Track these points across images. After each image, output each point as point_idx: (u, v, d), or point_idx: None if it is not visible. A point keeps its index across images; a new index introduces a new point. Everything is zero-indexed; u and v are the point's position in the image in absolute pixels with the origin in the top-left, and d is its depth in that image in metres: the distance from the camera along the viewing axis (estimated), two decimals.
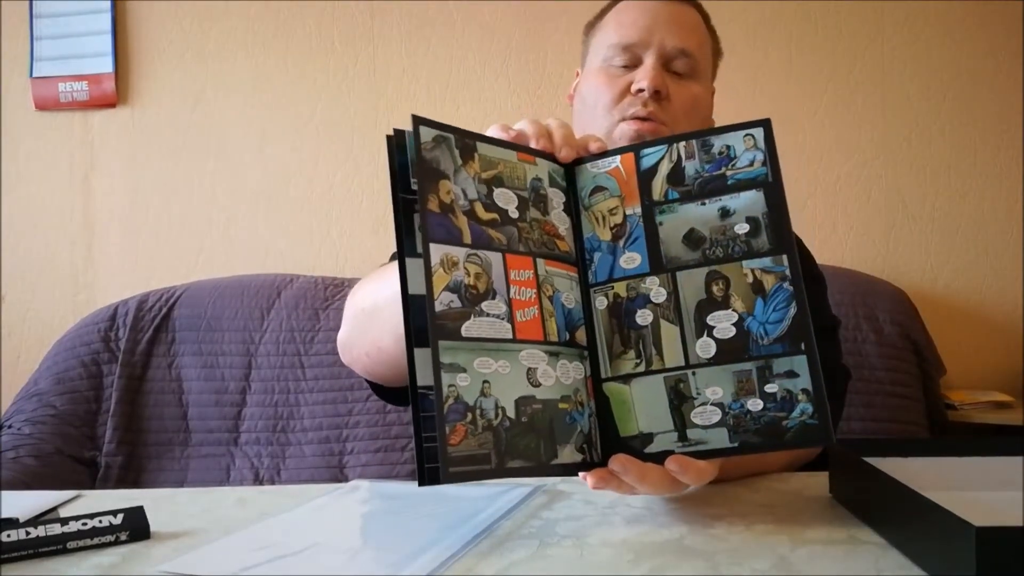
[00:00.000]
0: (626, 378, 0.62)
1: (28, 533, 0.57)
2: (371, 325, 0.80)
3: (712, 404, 0.60)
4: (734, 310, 0.61)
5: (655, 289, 0.63)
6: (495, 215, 0.60)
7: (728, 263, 0.62)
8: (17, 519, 0.65)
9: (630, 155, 0.66)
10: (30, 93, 2.09)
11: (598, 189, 0.66)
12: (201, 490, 0.79)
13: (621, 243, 0.65)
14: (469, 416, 0.54)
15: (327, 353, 1.72)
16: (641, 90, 0.91)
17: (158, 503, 0.68)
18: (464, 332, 0.56)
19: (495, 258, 0.59)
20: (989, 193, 1.93)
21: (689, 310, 0.62)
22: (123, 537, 0.60)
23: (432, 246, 0.56)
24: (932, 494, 0.50)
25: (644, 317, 0.63)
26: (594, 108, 0.93)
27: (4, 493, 0.74)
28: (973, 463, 0.68)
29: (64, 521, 0.59)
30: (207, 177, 2.08)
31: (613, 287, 0.64)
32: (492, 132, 0.66)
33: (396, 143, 0.59)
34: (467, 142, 0.60)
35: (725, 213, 0.62)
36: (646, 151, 0.66)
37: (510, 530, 0.60)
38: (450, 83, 2.03)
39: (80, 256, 2.10)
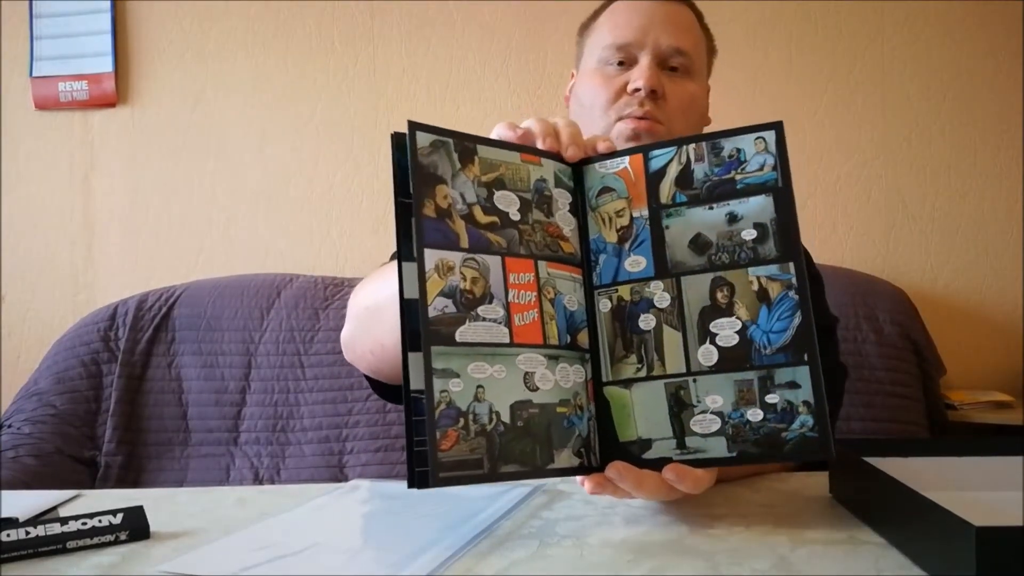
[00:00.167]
0: (627, 383, 0.62)
1: (28, 533, 0.57)
2: (374, 323, 0.80)
3: (712, 413, 0.59)
4: (738, 318, 0.60)
5: (659, 294, 0.62)
6: (495, 218, 0.60)
7: (734, 269, 0.61)
8: (17, 519, 0.65)
9: (639, 156, 0.65)
10: (30, 93, 2.09)
11: (606, 190, 0.65)
12: (201, 490, 0.79)
13: (627, 246, 0.64)
14: (461, 421, 0.54)
15: (327, 353, 1.72)
16: (637, 89, 0.91)
17: (158, 503, 0.68)
18: (458, 337, 0.56)
19: (493, 262, 0.59)
20: (989, 193, 1.93)
21: (692, 316, 0.61)
22: (123, 537, 0.60)
23: (427, 251, 0.56)
24: (932, 494, 0.50)
25: (647, 322, 0.62)
26: (591, 109, 0.93)
27: (4, 493, 0.74)
28: (973, 463, 0.68)
29: (64, 521, 0.59)
30: (207, 177, 2.08)
31: (617, 290, 0.64)
32: (499, 129, 0.66)
33: (396, 144, 0.59)
34: (467, 145, 0.60)
35: (733, 218, 0.62)
36: (655, 152, 0.65)
37: (510, 530, 0.60)
38: (450, 83, 2.03)
39: (80, 256, 2.10)
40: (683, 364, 0.61)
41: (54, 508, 0.71)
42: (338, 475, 1.61)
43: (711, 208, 0.62)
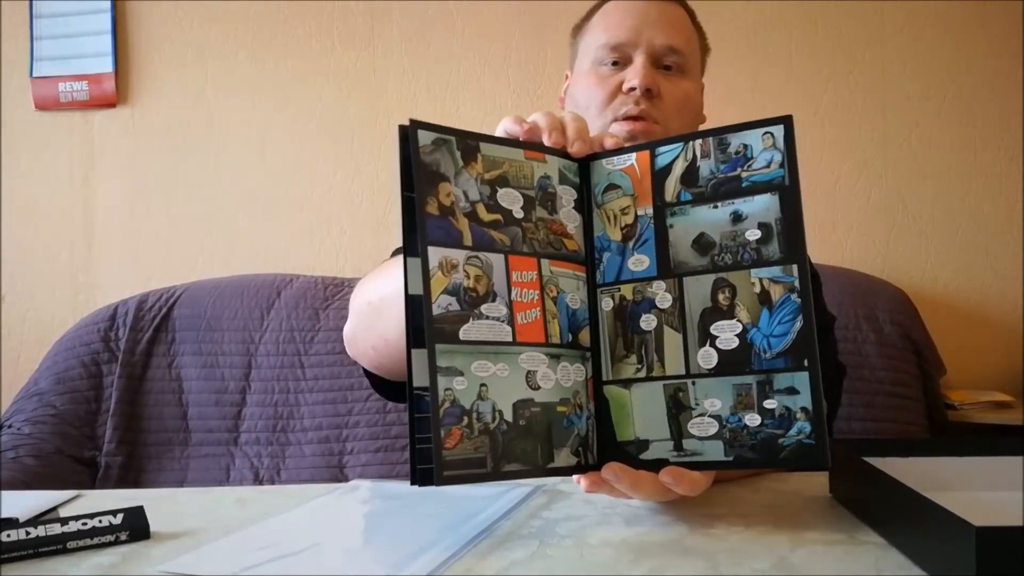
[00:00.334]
0: (627, 383, 0.62)
1: (28, 533, 0.57)
2: (377, 318, 0.80)
3: (710, 416, 0.59)
4: (738, 320, 0.59)
5: (661, 294, 0.62)
6: (498, 216, 0.60)
7: (736, 271, 0.60)
8: (17, 519, 0.64)
9: (646, 153, 0.64)
10: (30, 93, 2.09)
11: (612, 187, 0.65)
12: (201, 490, 0.79)
13: (631, 244, 0.63)
14: (465, 420, 0.54)
15: (327, 353, 1.72)
16: (633, 88, 0.91)
17: (158, 503, 0.68)
18: (462, 335, 0.56)
19: (497, 260, 0.59)
20: (989, 193, 1.93)
21: (693, 318, 0.61)
22: (123, 537, 0.60)
23: (430, 249, 0.55)
24: (932, 494, 0.50)
25: (648, 322, 0.62)
26: (586, 109, 0.94)
27: (4, 493, 0.74)
28: (973, 463, 0.68)
29: (64, 521, 0.59)
30: (207, 177, 2.08)
31: (620, 289, 0.63)
32: (505, 123, 0.65)
33: (402, 137, 0.58)
34: (469, 143, 0.60)
35: (737, 218, 0.60)
36: (662, 149, 0.64)
37: (510, 530, 0.60)
38: (450, 83, 2.03)
39: (80, 256, 2.10)
40: (683, 366, 0.61)
41: (54, 508, 0.71)
42: (338, 475, 1.61)
43: (715, 207, 0.61)
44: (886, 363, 1.62)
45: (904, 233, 1.95)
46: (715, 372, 0.60)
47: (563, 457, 0.59)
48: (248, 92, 2.07)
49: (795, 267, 0.58)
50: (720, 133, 0.62)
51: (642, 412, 0.61)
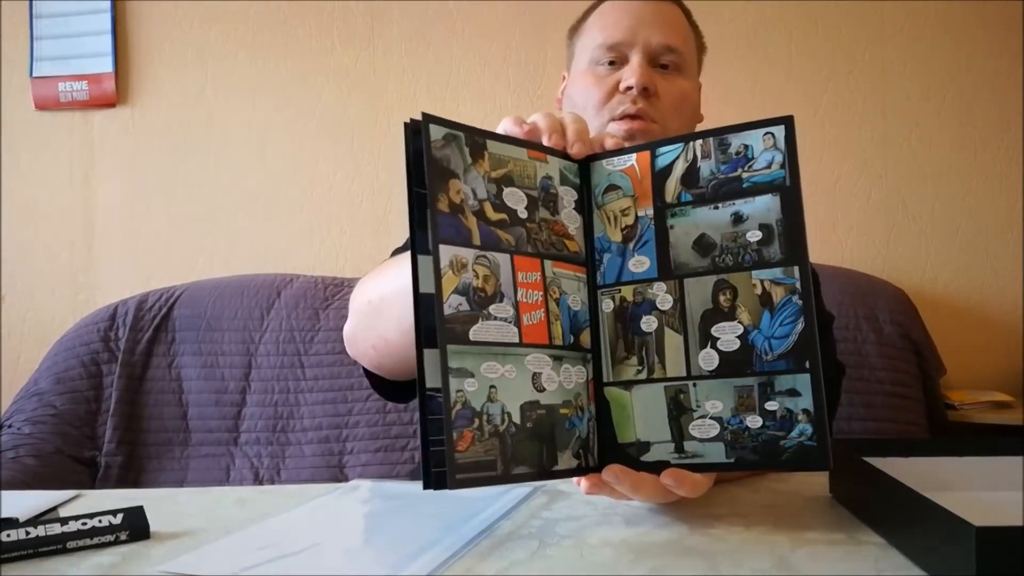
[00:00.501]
0: (627, 384, 0.62)
1: (28, 533, 0.57)
2: (378, 318, 0.80)
3: (711, 418, 0.59)
4: (740, 322, 0.59)
5: (661, 295, 0.62)
6: (504, 215, 0.59)
7: (737, 272, 0.60)
8: (17, 519, 0.64)
9: (646, 154, 0.64)
10: (30, 93, 2.09)
11: (612, 188, 0.65)
12: (201, 490, 0.79)
13: (631, 245, 0.63)
14: (476, 422, 0.54)
15: (327, 353, 1.72)
16: (630, 87, 0.91)
17: (158, 503, 0.68)
18: (472, 336, 0.55)
19: (503, 260, 0.58)
20: (989, 193, 1.93)
21: (694, 319, 0.60)
22: (123, 537, 0.60)
23: (442, 247, 0.55)
24: (932, 494, 0.50)
25: (649, 324, 0.62)
26: (584, 109, 0.94)
27: (4, 493, 0.74)
28: (973, 463, 0.68)
29: (64, 521, 0.59)
30: (207, 177, 2.08)
31: (620, 291, 0.63)
32: (505, 124, 0.65)
33: (412, 131, 0.57)
34: (477, 140, 0.59)
35: (738, 219, 0.60)
36: (662, 149, 0.63)
37: (510, 530, 0.60)
38: (450, 83, 2.03)
39: (80, 256, 2.10)
40: (683, 368, 0.60)
41: (54, 508, 0.71)
42: (338, 475, 1.62)
43: (716, 208, 0.61)
44: (886, 363, 1.62)
45: (904, 233, 1.95)
46: (716, 374, 0.59)
47: (565, 459, 0.59)
48: (248, 92, 2.07)
49: (796, 269, 0.58)
50: (720, 133, 0.62)
51: (643, 414, 0.61)
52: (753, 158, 0.60)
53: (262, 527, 0.63)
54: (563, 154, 0.65)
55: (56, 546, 0.57)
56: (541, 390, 0.58)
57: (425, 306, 0.55)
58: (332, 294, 1.80)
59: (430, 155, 0.56)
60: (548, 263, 0.61)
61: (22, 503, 0.71)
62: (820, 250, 1.81)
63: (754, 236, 0.60)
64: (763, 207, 0.60)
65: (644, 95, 0.91)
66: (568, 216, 0.64)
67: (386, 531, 0.63)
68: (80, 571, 0.54)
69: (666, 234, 0.62)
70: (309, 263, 2.02)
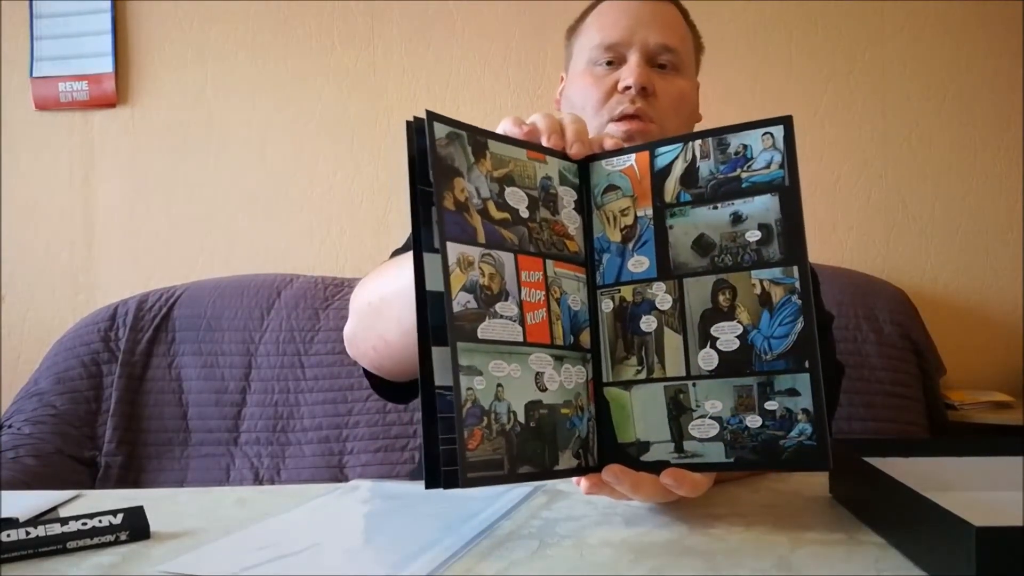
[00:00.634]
0: (627, 384, 0.62)
1: (28, 533, 0.57)
2: (378, 319, 0.80)
3: (711, 418, 0.59)
4: (739, 322, 0.59)
5: (661, 295, 0.62)
6: (507, 215, 0.59)
7: (736, 272, 0.60)
8: (17, 519, 0.64)
9: (645, 154, 0.64)
10: (30, 93, 2.09)
11: (611, 188, 0.65)
12: (201, 490, 0.79)
13: (630, 245, 0.63)
14: (485, 420, 0.53)
15: (327, 353, 1.72)
16: (628, 87, 0.91)
17: (158, 503, 0.68)
18: (480, 334, 0.55)
19: (507, 258, 0.58)
20: (989, 193, 1.93)
21: (694, 319, 0.61)
22: (123, 537, 0.60)
23: (449, 244, 0.55)
24: (932, 494, 0.50)
25: (648, 324, 0.62)
26: (582, 110, 0.94)
27: (4, 493, 0.74)
28: (973, 463, 0.68)
29: (64, 521, 0.59)
30: (207, 177, 2.08)
31: (620, 291, 0.63)
32: (505, 124, 0.65)
33: (416, 130, 0.57)
34: (479, 139, 0.59)
35: (737, 219, 0.60)
36: (662, 149, 0.63)
37: (510, 530, 0.60)
38: (450, 83, 2.03)
39: (80, 256, 2.10)
40: (683, 367, 0.60)
41: (54, 508, 0.71)
42: (338, 475, 1.62)
43: (715, 208, 0.61)
44: (886, 363, 1.62)
45: (904, 233, 1.95)
46: (716, 374, 0.59)
47: (566, 459, 0.59)
48: (248, 92, 2.07)
49: (795, 268, 0.58)
50: (720, 133, 0.62)
51: (643, 414, 0.61)
52: (752, 158, 0.60)
53: (262, 527, 0.63)
54: (562, 154, 0.65)
55: (56, 546, 0.57)
56: (543, 390, 0.58)
57: (432, 304, 0.55)
58: (332, 294, 1.80)
59: (435, 153, 0.56)
60: (550, 263, 0.61)
61: (22, 503, 0.71)
62: (820, 250, 1.81)
63: (753, 236, 0.60)
64: (762, 207, 0.60)
65: (642, 95, 0.91)
66: (568, 216, 0.64)
67: (386, 531, 0.63)
68: (80, 571, 0.54)
69: (665, 234, 0.62)
70: (309, 263, 2.02)
